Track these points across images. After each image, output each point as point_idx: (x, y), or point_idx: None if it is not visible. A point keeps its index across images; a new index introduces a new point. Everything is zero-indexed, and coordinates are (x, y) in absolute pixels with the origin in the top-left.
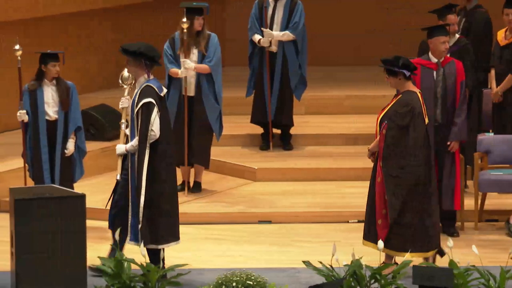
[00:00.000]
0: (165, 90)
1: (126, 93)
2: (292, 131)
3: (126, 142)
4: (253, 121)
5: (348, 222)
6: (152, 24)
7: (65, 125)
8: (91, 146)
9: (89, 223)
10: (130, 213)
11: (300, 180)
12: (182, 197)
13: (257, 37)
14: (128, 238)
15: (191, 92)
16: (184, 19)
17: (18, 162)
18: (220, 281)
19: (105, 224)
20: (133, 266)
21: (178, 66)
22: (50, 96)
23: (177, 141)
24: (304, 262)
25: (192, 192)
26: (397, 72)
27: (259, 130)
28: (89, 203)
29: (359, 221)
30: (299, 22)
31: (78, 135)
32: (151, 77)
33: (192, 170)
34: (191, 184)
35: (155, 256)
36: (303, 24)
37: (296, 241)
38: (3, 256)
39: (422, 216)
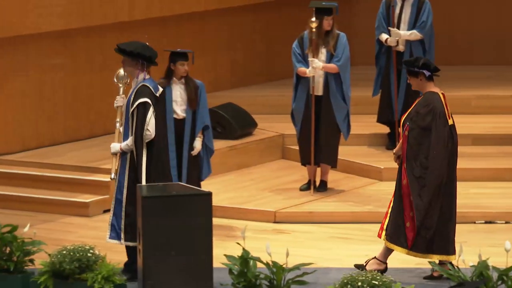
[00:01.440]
0: (160, 90)
1: (121, 92)
2: None
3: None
4: (379, 120)
5: (474, 223)
6: (281, 23)
7: (193, 124)
8: (218, 145)
9: (215, 221)
10: (112, 211)
11: None
12: (308, 196)
13: (384, 36)
14: (107, 236)
15: (319, 91)
16: (313, 19)
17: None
18: (345, 281)
19: (232, 222)
20: (259, 265)
21: (306, 65)
22: (178, 95)
23: (304, 140)
24: (430, 262)
25: (318, 191)
26: (418, 73)
27: (385, 129)
28: (216, 201)
29: (486, 222)
30: (426, 21)
31: (206, 134)
32: (147, 76)
33: (319, 169)
34: (317, 183)
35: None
36: (431, 23)
37: None
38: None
39: (445, 217)
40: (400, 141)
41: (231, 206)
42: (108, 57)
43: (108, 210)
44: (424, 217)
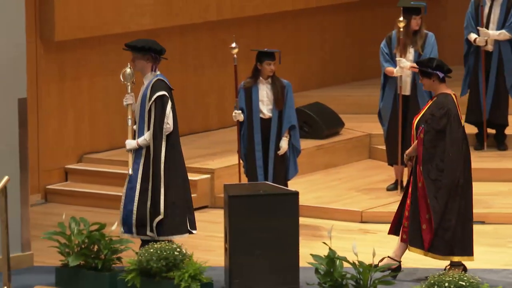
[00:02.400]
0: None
1: (129, 90)
2: (507, 131)
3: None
4: (467, 120)
5: None
6: (370, 23)
7: (279, 124)
8: (305, 144)
9: (302, 220)
10: (123, 205)
11: None
12: (394, 196)
13: (472, 36)
14: (120, 231)
15: (406, 91)
16: (401, 18)
17: (233, 159)
18: (432, 281)
19: (318, 221)
20: (345, 264)
21: (394, 65)
22: (264, 94)
23: (391, 139)
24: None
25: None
26: (431, 74)
27: (473, 129)
28: (302, 200)
29: None
30: None
31: (293, 134)
32: (158, 72)
33: (406, 169)
34: (404, 183)
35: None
36: None
37: (511, 242)
38: (219, 252)
39: (463, 219)
40: (413, 143)
41: (317, 206)
42: (198, 56)
43: (196, 209)
44: (442, 219)
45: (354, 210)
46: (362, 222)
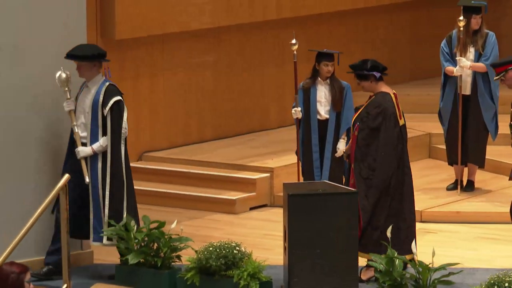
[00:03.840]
0: None
1: (68, 95)
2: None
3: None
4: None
5: None
6: (428, 22)
7: (337, 125)
8: None
9: None
10: (92, 213)
11: None
12: (454, 195)
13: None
14: (90, 239)
15: (466, 90)
16: (461, 17)
17: (292, 158)
18: (492, 281)
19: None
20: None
21: (454, 64)
22: (323, 95)
23: (452, 139)
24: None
25: (465, 191)
26: (368, 75)
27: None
28: None
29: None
30: None
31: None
32: (103, 77)
33: (466, 169)
34: (464, 183)
35: None
36: None
37: None
38: (278, 251)
39: (394, 219)
40: (350, 140)
41: None
42: (257, 55)
43: (255, 208)
44: (371, 217)
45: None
46: (421, 221)
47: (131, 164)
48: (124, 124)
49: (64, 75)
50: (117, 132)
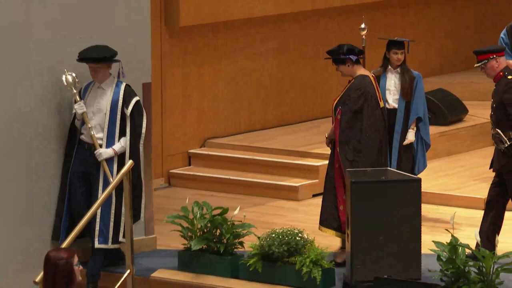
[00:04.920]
0: None
1: (78, 98)
2: None
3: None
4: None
5: None
6: (494, 12)
7: (406, 115)
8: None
9: (424, 207)
10: (99, 215)
11: None
12: None
13: None
14: (96, 241)
15: None
16: None
17: None
18: None
19: (440, 208)
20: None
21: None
22: (392, 84)
23: None
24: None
25: None
26: (345, 59)
27: None
28: (425, 187)
29: None
30: None
31: (422, 127)
32: (114, 77)
33: None
34: None
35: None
36: None
37: None
38: (337, 238)
39: None
40: (333, 125)
41: (440, 193)
42: (319, 42)
43: (318, 195)
44: None
45: (477, 197)
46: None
47: (194, 151)
48: (144, 124)
49: (70, 77)
50: (138, 132)
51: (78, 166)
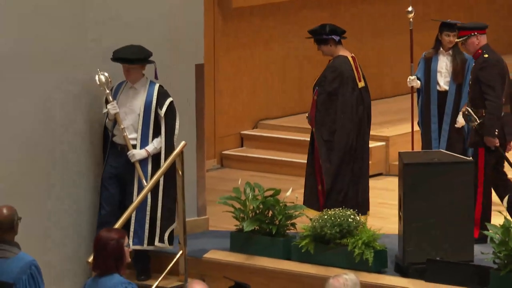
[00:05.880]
0: None
1: (111, 98)
2: None
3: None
4: None
5: None
6: None
7: (457, 97)
8: None
9: None
10: (134, 217)
11: None
12: None
13: None
14: (131, 242)
15: None
16: None
17: (407, 127)
18: None
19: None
20: None
21: None
22: (444, 66)
23: None
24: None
25: None
26: (327, 40)
27: None
28: None
29: None
30: None
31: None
32: (147, 78)
33: None
34: None
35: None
36: None
37: None
38: (393, 220)
39: (353, 180)
40: (311, 105)
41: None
42: (373, 24)
43: (371, 176)
44: (334, 180)
45: None
46: None
47: (246, 132)
48: (177, 125)
49: (103, 77)
50: (172, 133)
51: (111, 169)
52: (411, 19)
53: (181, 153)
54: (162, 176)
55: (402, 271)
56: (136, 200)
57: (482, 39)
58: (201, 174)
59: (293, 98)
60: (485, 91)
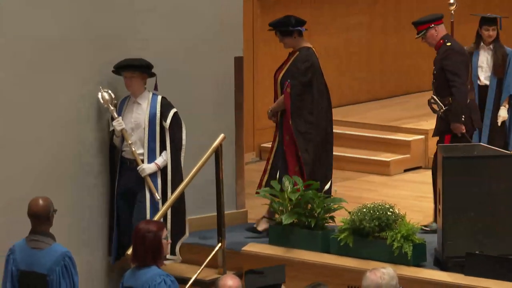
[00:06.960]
0: None
1: (116, 115)
2: None
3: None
4: None
5: None
6: None
7: (498, 92)
8: None
9: None
10: None
11: None
12: None
13: None
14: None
15: None
16: None
17: None
18: None
19: None
20: None
21: None
22: (484, 60)
23: None
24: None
25: None
26: (292, 31)
27: None
28: None
29: None
30: None
31: None
32: (149, 91)
33: None
34: None
35: None
36: None
37: None
38: (429, 213)
39: (328, 167)
40: (278, 98)
41: None
42: (411, 16)
43: (409, 169)
44: (312, 170)
45: None
46: None
47: None
48: (184, 136)
49: (106, 94)
50: (178, 145)
51: (123, 185)
52: (452, 12)
53: (220, 146)
54: (170, 190)
55: (441, 264)
56: (176, 191)
57: (441, 30)
58: (240, 167)
59: (332, 91)
60: (450, 78)
